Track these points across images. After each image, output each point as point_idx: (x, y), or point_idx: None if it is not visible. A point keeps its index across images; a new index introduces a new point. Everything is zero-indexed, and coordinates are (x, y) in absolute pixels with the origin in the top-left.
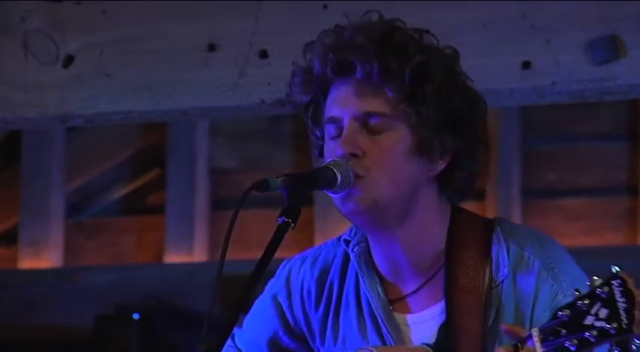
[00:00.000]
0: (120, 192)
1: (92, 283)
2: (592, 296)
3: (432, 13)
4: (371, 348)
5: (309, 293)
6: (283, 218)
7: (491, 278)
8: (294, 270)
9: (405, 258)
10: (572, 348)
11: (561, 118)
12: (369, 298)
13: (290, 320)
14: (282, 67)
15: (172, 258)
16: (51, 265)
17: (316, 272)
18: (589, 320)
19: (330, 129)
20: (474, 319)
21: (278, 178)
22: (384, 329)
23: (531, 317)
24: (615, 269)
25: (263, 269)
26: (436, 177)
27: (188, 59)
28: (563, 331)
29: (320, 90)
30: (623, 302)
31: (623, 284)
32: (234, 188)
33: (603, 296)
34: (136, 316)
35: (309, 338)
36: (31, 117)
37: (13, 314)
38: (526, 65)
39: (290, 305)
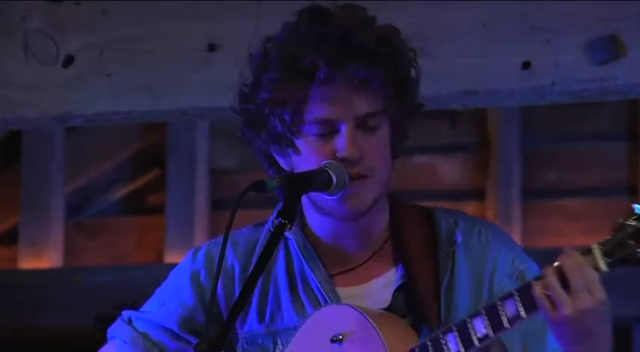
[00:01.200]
0: (120, 192)
1: (92, 283)
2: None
3: (432, 13)
4: (351, 305)
5: (232, 272)
6: (280, 219)
7: (438, 248)
8: (214, 252)
9: (354, 236)
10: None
11: (561, 118)
12: (310, 275)
13: (207, 296)
14: None
15: (172, 258)
16: (51, 265)
17: (240, 253)
18: None
19: (318, 128)
20: (429, 283)
21: (274, 179)
22: (328, 301)
23: (490, 283)
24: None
25: (261, 270)
26: None
27: (188, 59)
28: (631, 241)
29: (300, 87)
30: None
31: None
32: (234, 188)
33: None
34: None
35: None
36: (31, 117)
37: (13, 314)
38: (526, 65)
39: (212, 283)
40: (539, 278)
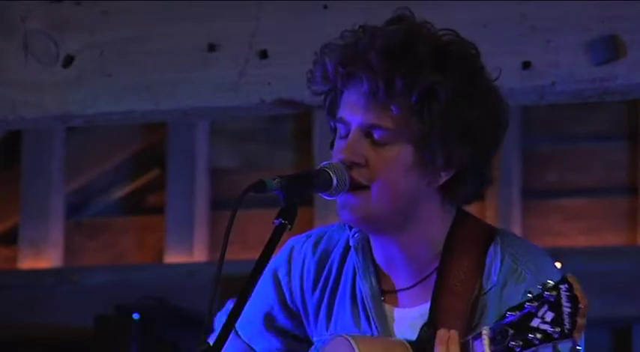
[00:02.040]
0: (120, 192)
1: (92, 283)
2: (540, 299)
3: (432, 13)
4: (346, 336)
5: (308, 272)
6: (280, 219)
7: (481, 286)
8: (297, 247)
9: (402, 257)
10: (517, 349)
11: (561, 118)
12: (361, 287)
13: (287, 296)
14: (282, 67)
15: (172, 258)
16: (51, 265)
17: (317, 253)
18: (535, 323)
19: (340, 128)
20: (458, 323)
21: (274, 180)
22: (372, 320)
23: None
24: (565, 274)
25: (261, 270)
26: (440, 187)
27: (188, 59)
28: (511, 331)
29: (337, 86)
30: (568, 306)
31: (570, 289)
32: (234, 188)
33: (551, 299)
34: (136, 316)
35: (303, 317)
36: (31, 117)
37: (13, 314)
38: (526, 65)
39: (289, 282)
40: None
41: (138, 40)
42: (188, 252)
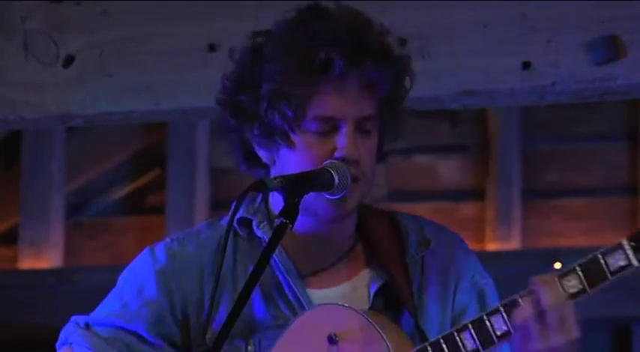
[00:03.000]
0: (120, 192)
1: (92, 283)
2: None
3: (431, 13)
4: (340, 303)
5: (202, 270)
6: (281, 219)
7: (406, 252)
8: (176, 249)
9: (327, 239)
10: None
11: (561, 118)
12: (281, 275)
13: (177, 299)
14: None
15: None
16: (51, 265)
17: (208, 251)
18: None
19: (319, 125)
20: (404, 286)
21: (275, 179)
22: (302, 303)
23: (454, 294)
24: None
25: (262, 270)
26: None
27: (188, 59)
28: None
29: (311, 82)
30: None
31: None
32: (234, 188)
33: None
34: None
35: (192, 319)
36: (31, 117)
37: (13, 314)
38: (526, 65)
39: (180, 284)
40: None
41: (138, 40)
42: None
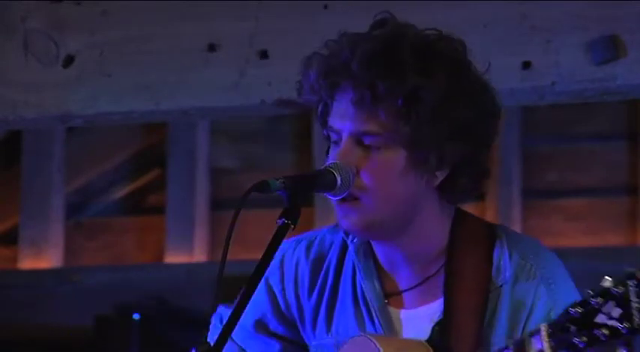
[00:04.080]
0: (120, 192)
1: (92, 283)
2: (605, 294)
3: (431, 13)
4: (369, 336)
5: (302, 278)
6: (283, 219)
7: (490, 281)
8: (289, 253)
9: (404, 259)
10: (581, 345)
11: (561, 118)
12: (364, 290)
13: (281, 303)
14: (282, 66)
15: (172, 258)
16: (51, 265)
17: (311, 258)
18: (601, 319)
19: (332, 136)
20: (471, 318)
21: (278, 180)
22: (376, 322)
23: (524, 327)
24: (630, 270)
25: (263, 271)
26: (437, 187)
27: (188, 59)
28: (573, 327)
29: (326, 95)
30: (637, 302)
31: (638, 284)
32: (234, 188)
33: (617, 295)
34: (136, 316)
35: (298, 324)
36: (31, 117)
37: (13, 314)
38: (526, 65)
39: (283, 289)
40: None
41: (138, 40)
42: (188, 252)
